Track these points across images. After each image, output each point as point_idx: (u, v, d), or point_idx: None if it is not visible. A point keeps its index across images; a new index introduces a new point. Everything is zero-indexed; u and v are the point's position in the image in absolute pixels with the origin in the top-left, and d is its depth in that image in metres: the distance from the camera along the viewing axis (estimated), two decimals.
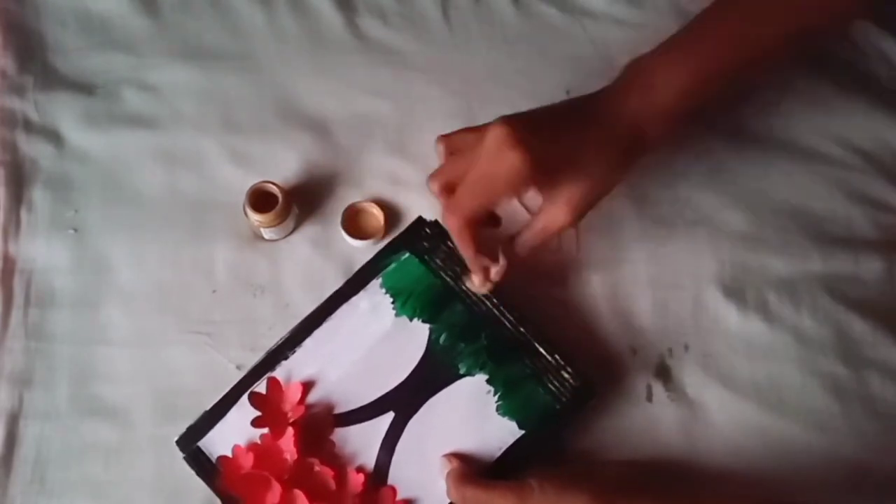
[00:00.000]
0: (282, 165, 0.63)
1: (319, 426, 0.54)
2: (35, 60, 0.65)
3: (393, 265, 0.58)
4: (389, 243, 0.58)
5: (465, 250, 0.51)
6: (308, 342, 0.56)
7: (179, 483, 0.55)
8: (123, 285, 0.60)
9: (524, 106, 0.50)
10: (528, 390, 0.55)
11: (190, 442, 0.54)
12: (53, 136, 0.63)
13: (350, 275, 0.58)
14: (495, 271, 0.54)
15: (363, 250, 0.60)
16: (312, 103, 0.65)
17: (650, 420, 0.57)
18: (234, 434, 0.54)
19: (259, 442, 0.54)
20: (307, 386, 0.55)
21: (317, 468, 0.53)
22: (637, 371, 0.58)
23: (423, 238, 0.58)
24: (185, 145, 0.63)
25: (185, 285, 0.60)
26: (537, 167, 0.47)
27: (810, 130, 0.65)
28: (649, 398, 0.57)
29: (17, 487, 0.55)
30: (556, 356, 0.55)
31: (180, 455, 0.54)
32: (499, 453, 0.54)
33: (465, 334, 0.56)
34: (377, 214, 0.61)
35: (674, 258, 0.61)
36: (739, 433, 0.56)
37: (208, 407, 0.54)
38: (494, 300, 0.56)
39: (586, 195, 0.51)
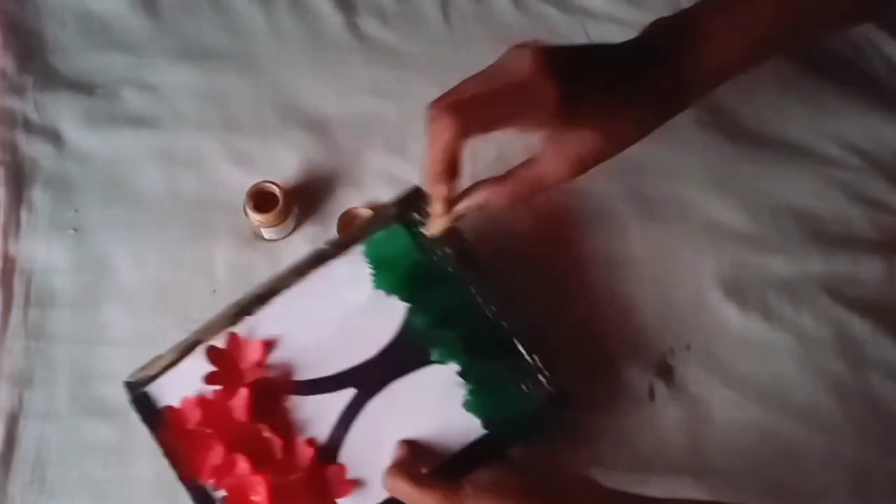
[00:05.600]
0: (282, 165, 0.63)
1: (275, 391, 0.52)
2: (35, 60, 0.65)
3: (379, 233, 0.54)
4: (380, 210, 0.55)
5: (438, 166, 0.44)
6: (277, 301, 0.53)
7: (179, 483, 0.55)
8: (123, 285, 0.59)
9: None
10: (499, 390, 0.52)
11: (138, 385, 0.51)
12: (53, 136, 0.63)
13: None
14: (464, 205, 0.48)
15: None
16: (312, 103, 0.65)
17: (652, 419, 0.57)
18: (186, 385, 0.51)
19: (210, 397, 0.51)
20: (268, 346, 0.52)
21: (266, 434, 0.50)
22: (638, 370, 0.58)
23: (416, 210, 0.54)
24: (185, 145, 0.63)
25: (185, 285, 0.60)
26: (567, 108, 0.43)
27: (810, 130, 0.64)
28: (651, 397, 0.57)
29: (17, 487, 0.54)
30: (535, 357, 0.52)
31: None
32: (458, 448, 0.51)
33: (443, 320, 0.52)
34: None
35: (674, 258, 0.61)
36: (741, 432, 0.56)
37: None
38: (478, 289, 0.53)
39: (599, 152, 0.46)
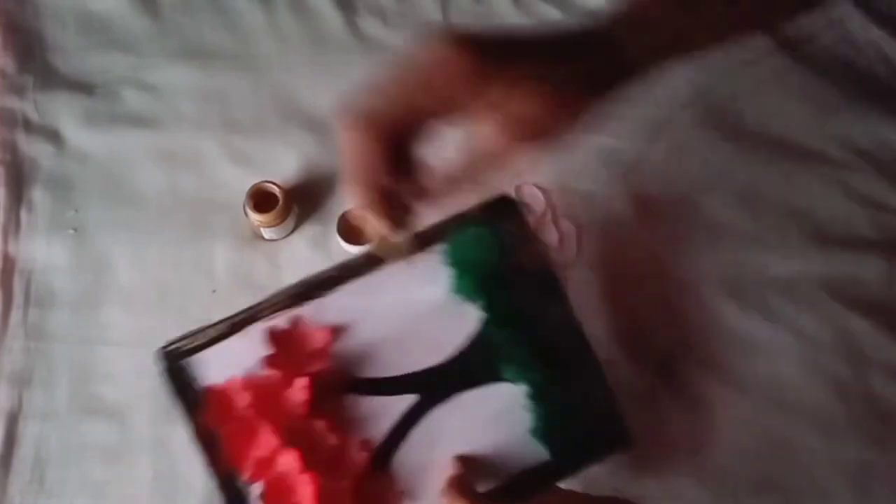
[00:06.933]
0: (282, 165, 0.63)
1: (335, 385, 0.47)
2: (35, 60, 0.66)
3: (463, 235, 0.49)
4: (467, 212, 0.49)
5: (353, 179, 0.38)
6: (349, 286, 0.48)
7: (179, 483, 0.55)
8: (123, 285, 0.59)
9: None
10: (570, 421, 0.49)
11: (175, 356, 0.45)
12: (53, 136, 0.63)
13: None
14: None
15: None
16: (312, 103, 0.65)
17: (653, 420, 0.57)
18: (231, 364, 0.45)
19: (261, 381, 0.45)
20: (335, 334, 0.47)
21: (321, 431, 0.46)
22: (639, 371, 0.58)
23: (503, 216, 0.50)
24: (185, 145, 0.63)
25: (185, 285, 0.60)
26: (488, 73, 0.35)
27: (810, 130, 0.65)
28: (652, 398, 0.57)
29: (17, 487, 0.54)
30: (608, 386, 0.50)
31: (180, 455, 0.54)
32: (516, 472, 0.48)
33: (521, 335, 0.49)
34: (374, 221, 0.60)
35: (674, 258, 0.61)
36: (741, 432, 0.56)
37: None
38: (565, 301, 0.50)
39: (537, 116, 0.36)
